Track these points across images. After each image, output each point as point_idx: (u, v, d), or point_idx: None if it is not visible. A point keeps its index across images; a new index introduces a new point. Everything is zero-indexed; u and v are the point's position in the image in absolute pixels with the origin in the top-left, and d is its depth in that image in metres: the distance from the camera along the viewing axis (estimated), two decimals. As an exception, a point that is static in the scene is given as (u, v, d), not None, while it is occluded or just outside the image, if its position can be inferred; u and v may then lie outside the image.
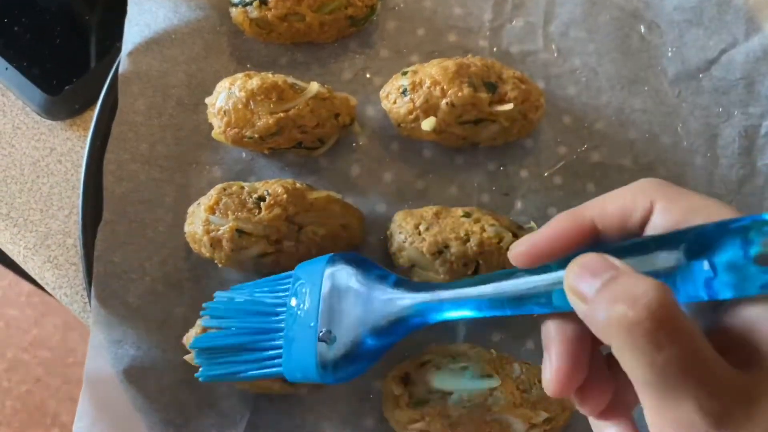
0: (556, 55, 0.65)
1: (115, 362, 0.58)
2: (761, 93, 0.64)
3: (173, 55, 0.64)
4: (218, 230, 0.56)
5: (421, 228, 0.57)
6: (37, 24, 0.69)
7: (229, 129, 0.59)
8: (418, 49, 0.66)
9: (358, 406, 0.59)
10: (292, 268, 0.57)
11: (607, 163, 0.63)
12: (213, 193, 0.57)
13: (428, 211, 0.58)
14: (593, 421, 0.40)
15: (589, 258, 0.35)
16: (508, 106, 0.58)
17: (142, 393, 0.58)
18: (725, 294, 0.33)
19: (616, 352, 0.32)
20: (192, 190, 0.62)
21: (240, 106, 0.58)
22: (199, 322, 0.56)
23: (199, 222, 0.56)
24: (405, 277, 0.50)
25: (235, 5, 0.63)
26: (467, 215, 0.58)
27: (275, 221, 0.56)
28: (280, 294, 0.53)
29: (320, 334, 0.49)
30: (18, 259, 0.65)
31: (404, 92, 0.59)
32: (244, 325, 0.53)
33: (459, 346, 0.57)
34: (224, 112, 0.59)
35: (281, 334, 0.51)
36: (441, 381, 0.53)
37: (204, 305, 0.54)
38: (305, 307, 0.50)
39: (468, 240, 0.56)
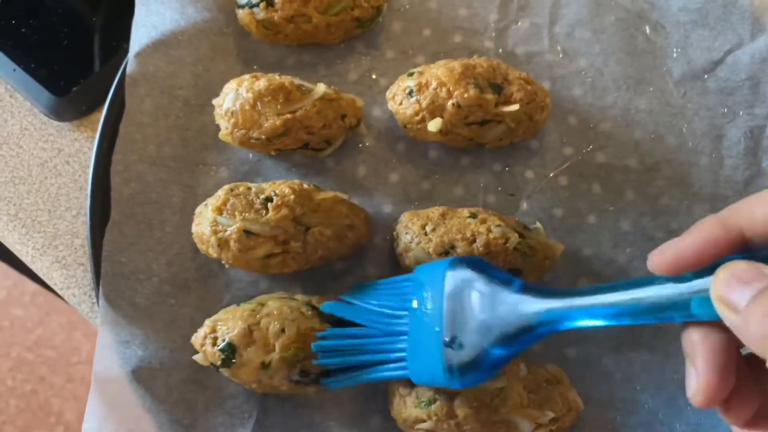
0: (561, 56, 0.66)
1: (123, 362, 0.58)
2: (767, 94, 0.64)
3: (180, 56, 0.64)
4: (225, 231, 0.56)
5: (428, 229, 0.57)
6: (45, 25, 0.69)
7: (236, 130, 0.59)
8: (424, 50, 0.66)
9: (365, 406, 0.59)
10: (300, 269, 0.58)
11: (612, 164, 0.63)
12: (220, 193, 0.57)
13: (434, 211, 0.59)
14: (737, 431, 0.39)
15: (740, 266, 0.34)
16: (514, 107, 0.59)
17: (150, 393, 0.58)
18: None
19: None
20: (199, 191, 0.62)
21: (247, 107, 0.59)
22: (208, 322, 0.56)
23: (207, 222, 0.57)
24: (529, 283, 0.50)
25: (242, 7, 0.63)
26: (473, 216, 0.58)
27: (282, 222, 0.56)
28: (401, 296, 0.54)
29: (446, 340, 0.49)
30: (26, 259, 0.65)
31: (410, 93, 0.60)
32: (368, 327, 0.54)
33: (465, 347, 0.57)
34: (231, 113, 0.59)
35: (405, 337, 0.52)
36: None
37: (322, 307, 0.56)
38: (428, 311, 0.50)
39: (474, 240, 0.56)
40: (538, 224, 0.61)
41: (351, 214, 0.59)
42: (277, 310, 0.55)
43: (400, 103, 0.60)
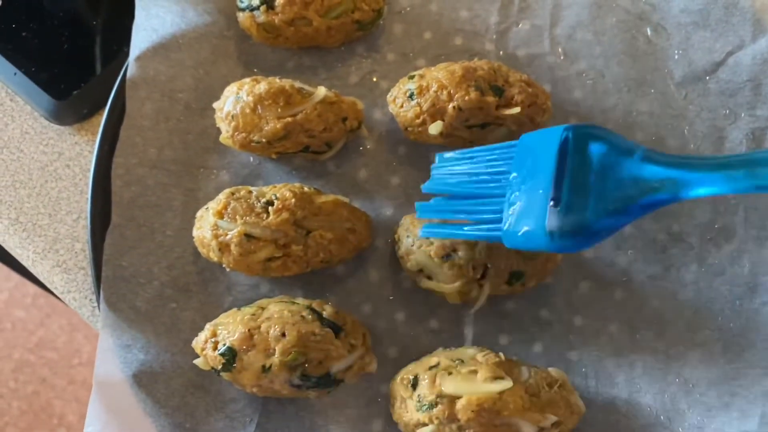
0: (562, 58, 0.65)
1: (124, 366, 0.58)
2: (768, 95, 0.64)
3: (181, 59, 0.64)
4: (226, 235, 0.56)
5: None
6: (45, 29, 0.69)
7: (236, 133, 0.59)
8: (425, 52, 0.66)
9: (367, 410, 0.59)
10: (301, 272, 0.58)
11: (614, 166, 0.63)
12: (221, 197, 0.57)
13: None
14: None
15: None
16: (515, 110, 0.58)
17: (151, 397, 0.58)
18: None
19: None
20: (200, 195, 0.62)
21: (247, 110, 0.58)
22: (208, 326, 0.56)
23: (208, 226, 0.57)
24: (653, 151, 0.48)
25: (243, 10, 0.63)
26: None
27: (283, 225, 0.56)
28: (502, 162, 0.53)
29: (552, 201, 0.47)
30: (27, 263, 0.65)
31: (411, 96, 0.59)
32: (463, 188, 0.54)
33: (467, 350, 0.57)
34: (232, 116, 0.59)
35: (501, 200, 0.51)
36: (450, 384, 0.53)
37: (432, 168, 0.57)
38: (534, 174, 0.49)
39: (476, 244, 0.56)
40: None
41: (352, 218, 0.59)
42: (277, 314, 0.55)
43: (401, 106, 0.60)
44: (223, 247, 0.56)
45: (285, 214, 0.56)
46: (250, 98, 0.58)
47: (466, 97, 0.58)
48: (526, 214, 0.49)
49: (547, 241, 0.47)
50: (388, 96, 0.62)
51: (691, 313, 0.60)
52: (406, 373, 0.56)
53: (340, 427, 0.59)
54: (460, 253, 0.56)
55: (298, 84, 0.60)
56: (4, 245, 0.66)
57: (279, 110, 0.58)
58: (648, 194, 0.46)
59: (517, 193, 0.50)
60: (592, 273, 0.61)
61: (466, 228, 0.53)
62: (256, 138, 0.59)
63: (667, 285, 0.61)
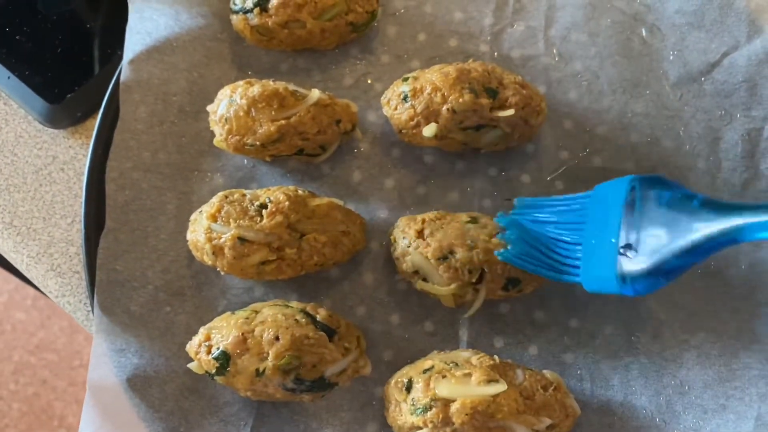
0: (557, 59, 0.65)
1: (118, 371, 0.58)
2: (764, 96, 0.63)
3: (174, 62, 0.64)
4: (220, 238, 0.56)
5: (426, 233, 0.57)
6: (39, 33, 0.69)
7: (230, 136, 0.59)
8: (419, 54, 0.66)
9: (361, 413, 0.59)
10: (295, 276, 0.58)
11: (608, 168, 0.63)
12: (215, 200, 0.57)
13: (432, 215, 0.58)
14: None
15: None
16: (509, 112, 0.58)
17: (145, 401, 0.58)
18: None
19: None
20: (194, 198, 0.62)
21: (241, 113, 0.58)
22: (202, 330, 0.56)
23: (201, 230, 0.57)
24: (710, 197, 0.51)
25: (236, 13, 0.63)
26: (473, 221, 0.58)
27: (277, 229, 0.56)
28: (578, 211, 0.57)
29: (621, 248, 0.51)
30: (21, 267, 0.65)
31: (405, 98, 0.59)
32: (545, 232, 0.57)
33: (461, 353, 0.57)
34: (225, 119, 0.59)
35: (579, 247, 0.55)
36: (444, 387, 0.53)
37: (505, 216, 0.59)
38: (606, 223, 0.53)
39: (474, 246, 0.56)
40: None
41: (346, 220, 0.59)
42: (271, 318, 0.55)
43: (395, 108, 0.60)
44: (217, 251, 0.56)
45: (279, 218, 0.56)
46: (244, 101, 0.58)
47: (460, 99, 0.58)
48: (600, 261, 0.53)
49: (619, 285, 0.51)
50: (382, 98, 0.62)
51: (687, 315, 0.60)
52: (401, 377, 0.56)
53: (334, 431, 0.58)
54: (457, 255, 0.56)
55: (291, 86, 0.60)
56: (-1, 249, 0.66)
57: (273, 113, 0.58)
58: (707, 239, 0.49)
59: (594, 241, 0.54)
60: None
61: (546, 269, 0.56)
62: (249, 141, 0.59)
63: (663, 287, 0.61)
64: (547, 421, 0.54)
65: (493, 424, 0.53)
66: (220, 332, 0.55)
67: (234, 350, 0.54)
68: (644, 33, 0.65)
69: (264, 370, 0.53)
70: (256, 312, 0.56)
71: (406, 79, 0.61)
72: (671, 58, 0.65)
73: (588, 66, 0.65)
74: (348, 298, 0.61)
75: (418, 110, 0.59)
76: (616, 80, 0.65)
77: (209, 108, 0.61)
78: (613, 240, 0.52)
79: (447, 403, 0.53)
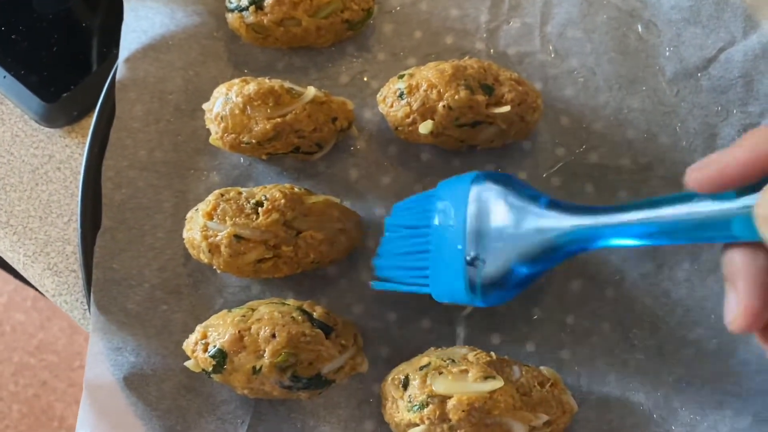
0: (553, 55, 0.65)
1: (115, 369, 0.58)
2: (760, 91, 0.63)
3: (170, 60, 0.64)
4: (216, 236, 0.56)
5: None
6: (34, 31, 0.69)
7: (226, 134, 0.59)
8: (415, 51, 0.66)
9: (358, 410, 0.59)
10: (292, 273, 0.58)
11: (605, 164, 0.63)
12: (211, 198, 0.57)
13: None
14: None
15: None
16: (505, 109, 0.58)
17: (142, 400, 0.58)
18: None
19: None
20: (190, 196, 0.62)
21: (237, 111, 0.58)
22: (199, 328, 0.56)
23: (198, 228, 0.57)
24: (557, 199, 0.49)
25: (232, 11, 0.63)
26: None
27: (273, 226, 0.55)
28: (423, 213, 0.54)
29: (468, 258, 0.48)
30: (18, 266, 0.65)
31: (401, 95, 0.59)
32: (397, 245, 0.55)
33: (458, 349, 0.57)
34: (221, 117, 0.59)
35: (427, 255, 0.52)
36: (440, 384, 0.53)
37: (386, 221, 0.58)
38: (450, 228, 0.50)
39: None
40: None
41: (343, 218, 0.59)
42: (267, 315, 0.54)
43: (391, 106, 0.60)
44: (213, 249, 0.56)
45: (274, 215, 0.56)
46: (240, 99, 0.58)
47: (456, 96, 0.58)
48: (448, 270, 0.50)
49: (470, 297, 0.49)
50: (378, 95, 0.62)
51: (684, 311, 0.60)
52: (397, 374, 0.56)
53: (331, 428, 0.58)
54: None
55: (287, 84, 0.60)
56: (-5, 249, 0.66)
57: (268, 111, 0.58)
58: (558, 244, 0.46)
59: (441, 248, 0.51)
60: (584, 272, 0.61)
61: (402, 285, 0.55)
62: (245, 139, 0.59)
63: (660, 283, 0.61)
64: (544, 418, 0.54)
65: (489, 421, 0.52)
66: (217, 330, 0.55)
67: (230, 348, 0.53)
68: (640, 29, 0.65)
69: (260, 368, 0.53)
70: (253, 310, 0.56)
71: (401, 77, 0.61)
72: (667, 54, 0.65)
73: (584, 62, 0.65)
74: (345, 296, 0.61)
75: (414, 107, 0.59)
76: (613, 76, 0.65)
77: (205, 106, 0.61)
78: (459, 247, 0.49)
79: (444, 399, 0.53)
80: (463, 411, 0.52)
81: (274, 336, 0.53)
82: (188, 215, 0.59)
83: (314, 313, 0.56)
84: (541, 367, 0.57)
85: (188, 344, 0.56)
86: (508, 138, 0.61)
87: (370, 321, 0.61)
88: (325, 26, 0.63)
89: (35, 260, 0.64)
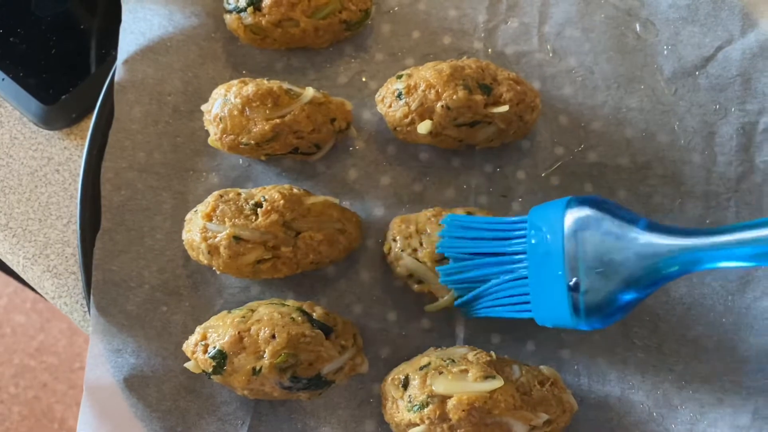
0: (551, 55, 0.65)
1: (115, 371, 0.58)
2: (758, 89, 0.63)
3: (169, 62, 0.64)
4: (215, 237, 0.56)
5: (423, 238, 0.57)
6: (33, 34, 0.69)
7: (225, 136, 0.59)
8: (413, 51, 0.66)
9: (359, 411, 0.59)
10: (291, 274, 0.58)
11: (604, 163, 0.63)
12: (210, 200, 0.57)
13: (426, 214, 0.58)
14: None
15: None
16: (504, 108, 0.58)
17: (142, 401, 0.58)
18: None
19: None
20: (190, 197, 0.62)
21: (235, 112, 0.58)
22: (199, 329, 0.56)
23: (197, 229, 0.57)
24: (656, 221, 0.48)
25: (230, 12, 0.63)
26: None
27: (272, 227, 0.56)
28: (516, 240, 0.53)
29: (570, 285, 0.48)
30: (17, 269, 0.65)
31: (399, 96, 0.59)
32: (486, 269, 0.54)
33: (458, 349, 0.57)
34: (220, 118, 0.59)
35: (526, 281, 0.52)
36: (440, 384, 0.53)
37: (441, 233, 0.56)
38: (548, 254, 0.50)
39: None
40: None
41: (342, 218, 0.59)
42: (267, 316, 0.55)
43: (390, 106, 0.60)
44: (213, 250, 0.56)
45: (274, 216, 0.56)
46: (238, 100, 0.58)
47: (454, 96, 0.58)
48: (550, 296, 0.50)
49: (575, 321, 0.49)
50: (376, 96, 0.62)
51: (684, 309, 0.60)
52: (397, 374, 0.56)
53: (332, 429, 0.58)
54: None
55: (286, 85, 0.60)
56: (-6, 251, 0.66)
57: (267, 112, 0.58)
58: (663, 266, 0.46)
59: (540, 274, 0.51)
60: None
61: (498, 307, 0.55)
62: (244, 140, 0.59)
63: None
64: (544, 417, 0.54)
65: (489, 420, 0.52)
66: (217, 331, 0.55)
67: (230, 349, 0.54)
68: (638, 28, 0.66)
69: (260, 369, 0.53)
70: (253, 311, 0.56)
71: (400, 77, 0.61)
72: (665, 52, 0.65)
73: (582, 62, 0.65)
74: (344, 296, 0.61)
75: (413, 107, 0.59)
76: (611, 75, 0.65)
77: (204, 107, 0.61)
78: (560, 273, 0.49)
79: (444, 399, 0.53)
80: (463, 411, 0.52)
81: (273, 337, 0.53)
82: (187, 216, 0.59)
83: (314, 314, 0.56)
84: (541, 366, 0.57)
85: (188, 345, 0.56)
86: (506, 137, 0.61)
87: (370, 321, 0.61)
88: (323, 27, 0.63)
89: (35, 262, 0.64)
